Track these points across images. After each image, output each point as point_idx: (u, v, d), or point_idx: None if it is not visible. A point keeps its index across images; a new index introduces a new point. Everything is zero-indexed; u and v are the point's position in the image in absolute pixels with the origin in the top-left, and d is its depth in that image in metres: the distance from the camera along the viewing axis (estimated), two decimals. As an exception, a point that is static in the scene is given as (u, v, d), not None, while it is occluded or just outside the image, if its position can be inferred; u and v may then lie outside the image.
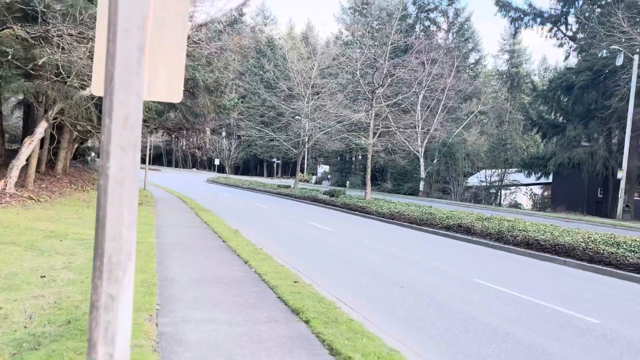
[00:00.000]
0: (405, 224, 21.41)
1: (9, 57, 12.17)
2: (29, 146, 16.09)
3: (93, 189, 22.13)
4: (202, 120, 24.48)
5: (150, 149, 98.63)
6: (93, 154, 59.65)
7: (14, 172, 15.83)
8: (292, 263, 10.78)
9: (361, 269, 10.82)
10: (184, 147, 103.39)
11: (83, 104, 16.41)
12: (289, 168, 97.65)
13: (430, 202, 38.61)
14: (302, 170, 78.11)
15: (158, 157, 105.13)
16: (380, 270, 10.72)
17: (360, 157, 71.95)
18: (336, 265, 11.15)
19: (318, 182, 74.80)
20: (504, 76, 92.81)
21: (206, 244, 12.13)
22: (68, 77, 16.10)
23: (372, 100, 29.90)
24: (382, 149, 36.25)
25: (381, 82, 30.29)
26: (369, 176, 30.29)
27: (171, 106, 23.01)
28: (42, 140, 21.40)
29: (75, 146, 32.28)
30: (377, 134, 31.01)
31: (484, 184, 43.54)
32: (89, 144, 44.18)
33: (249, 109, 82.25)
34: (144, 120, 20.86)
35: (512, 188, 43.44)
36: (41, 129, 16.40)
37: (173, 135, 26.21)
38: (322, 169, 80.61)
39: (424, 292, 8.91)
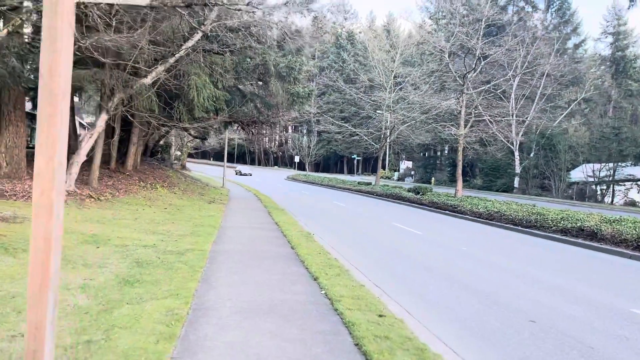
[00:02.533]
0: (508, 225, 18.22)
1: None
2: (89, 140, 14.94)
3: (163, 187, 21.03)
4: (276, 112, 22.70)
5: (234, 147, 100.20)
6: (177, 151, 60.59)
7: (74, 168, 14.73)
8: (374, 279, 8.39)
9: (465, 289, 8.18)
10: (265, 145, 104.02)
11: (144, 93, 15.03)
12: (369, 164, 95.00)
13: (529, 200, 34.47)
14: (383, 167, 75.17)
15: (241, 156, 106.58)
16: (492, 292, 8.02)
17: (446, 151, 67.78)
18: (432, 283, 8.58)
19: (400, 178, 71.47)
20: (608, 61, 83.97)
21: (271, 252, 10.03)
22: (132, 62, 14.74)
23: (462, 86, 26.63)
24: (475, 140, 32.60)
25: (473, 66, 26.91)
26: (459, 171, 27.08)
27: (242, 97, 21.39)
28: (112, 136, 20.55)
29: (152, 142, 31.87)
30: (469, 124, 27.68)
31: (591, 178, 38.29)
32: (170, 140, 44.26)
33: (328, 104, 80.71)
34: (215, 111, 19.34)
35: (628, 184, 37.83)
36: (101, 122, 15.21)
37: (247, 130, 24.64)
38: (405, 165, 77.04)
39: (567, 331, 6.15)
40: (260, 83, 21.00)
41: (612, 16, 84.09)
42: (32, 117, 29.79)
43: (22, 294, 5.80)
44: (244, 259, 9.08)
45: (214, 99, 16.75)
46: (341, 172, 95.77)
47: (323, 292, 6.92)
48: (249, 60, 18.43)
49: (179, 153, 60.52)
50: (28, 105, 29.00)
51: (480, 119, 29.32)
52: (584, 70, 56.82)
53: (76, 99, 36.74)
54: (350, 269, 8.88)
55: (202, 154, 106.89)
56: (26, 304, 5.37)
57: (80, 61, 13.97)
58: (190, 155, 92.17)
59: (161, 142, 41.43)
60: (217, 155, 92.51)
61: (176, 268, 7.58)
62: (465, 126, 27.19)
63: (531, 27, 46.22)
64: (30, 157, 18.18)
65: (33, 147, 26.64)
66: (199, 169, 61.32)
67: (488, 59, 28.23)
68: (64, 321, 4.99)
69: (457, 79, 27.68)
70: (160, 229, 11.72)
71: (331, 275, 7.91)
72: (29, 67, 13.33)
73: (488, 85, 30.25)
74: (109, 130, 20.71)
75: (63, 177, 2.22)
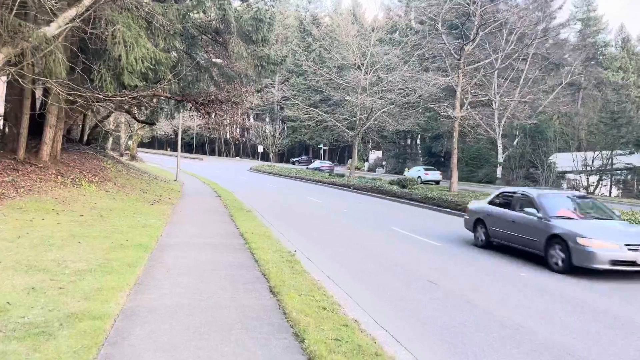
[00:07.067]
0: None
1: None
2: (-43, 116, 9.95)
3: (91, 183, 16.09)
4: (239, 86, 17.97)
5: (192, 137, 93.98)
6: (128, 140, 54.48)
7: None
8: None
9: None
10: (226, 134, 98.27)
11: (44, 46, 10.19)
12: (336, 155, 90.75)
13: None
14: (352, 157, 70.94)
15: (201, 146, 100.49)
16: None
17: (418, 140, 64.24)
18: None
19: (371, 169, 67.49)
20: (577, 48, 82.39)
21: (237, 310, 5.52)
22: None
23: (459, 60, 22.58)
24: (476, 124, 28.57)
25: (473, 35, 22.80)
26: (455, 160, 23.05)
27: (194, 65, 16.55)
28: (21, 113, 15.45)
29: (89, 127, 26.58)
30: (464, 105, 23.62)
31: (587, 167, 34.94)
32: (112, 125, 38.54)
33: (291, 91, 75.76)
34: (156, 80, 14.48)
35: (623, 173, 34.75)
36: (-23, 88, 10.26)
37: (203, 111, 19.81)
38: (375, 155, 73.14)
39: None
40: (217, 46, 16.20)
41: (581, 0, 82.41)
42: None
43: None
44: (183, 341, 4.52)
45: (153, 62, 11.97)
46: (307, 162, 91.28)
47: None
48: (202, 13, 13.72)
49: (130, 142, 54.60)
50: None
51: (480, 98, 25.33)
52: (572, 50, 54.42)
53: None
54: (396, 354, 4.50)
55: (158, 144, 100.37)
56: None
57: None
58: (144, 145, 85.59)
59: (109, 128, 35.86)
60: (176, 145, 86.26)
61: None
62: (462, 107, 23.18)
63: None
64: None
65: None
66: (155, 160, 55.41)
67: (496, 23, 24.07)
68: None
69: (452, 52, 23.65)
70: (47, 257, 7.00)
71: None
72: None
73: (489, 60, 26.27)
74: (17, 107, 15.63)
75: None
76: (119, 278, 6.24)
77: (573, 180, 37.63)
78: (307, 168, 57.56)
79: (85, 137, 26.27)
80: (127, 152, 52.66)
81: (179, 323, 4.90)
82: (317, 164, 60.80)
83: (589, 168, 35.15)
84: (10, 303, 4.94)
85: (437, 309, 6.32)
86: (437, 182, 40.22)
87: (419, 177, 38.96)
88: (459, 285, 7.69)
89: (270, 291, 6.29)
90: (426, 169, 42.71)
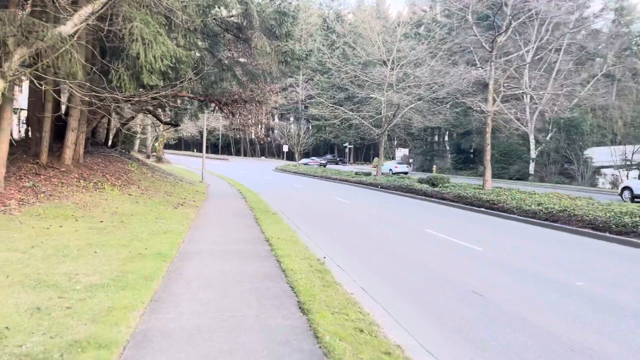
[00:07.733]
0: (585, 230, 13.26)
1: None
2: (-28, 120, 9.62)
3: (114, 186, 15.74)
4: (263, 84, 17.38)
5: (218, 138, 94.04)
6: (155, 142, 54.67)
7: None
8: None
9: None
10: (250, 134, 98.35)
11: (59, 46, 9.77)
12: (362, 153, 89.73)
13: (553, 189, 29.65)
14: (378, 155, 69.76)
15: (226, 147, 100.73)
16: None
17: (446, 137, 62.84)
18: None
19: (398, 167, 66.40)
20: (611, 38, 79.48)
21: (260, 332, 4.87)
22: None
23: (492, 52, 21.55)
24: (511, 117, 27.43)
25: (506, 26, 21.69)
26: (488, 157, 22.01)
27: (217, 64, 16.03)
28: (39, 119, 15.20)
29: (113, 129, 26.43)
30: (497, 100, 22.51)
31: (627, 162, 33.32)
32: (138, 128, 38.45)
33: (315, 90, 74.98)
34: (176, 79, 13.97)
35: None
36: (-8, 90, 9.87)
37: (226, 111, 19.31)
38: (401, 152, 71.93)
39: None
40: (241, 44, 15.65)
41: (615, -9, 79.47)
42: None
43: None
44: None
45: (173, 60, 11.47)
46: (331, 162, 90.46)
47: None
48: (223, 8, 13.17)
49: (157, 144, 54.79)
50: None
51: (514, 92, 24.23)
52: (607, 41, 52.38)
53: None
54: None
55: (185, 145, 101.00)
56: None
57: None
58: (171, 147, 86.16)
59: (136, 130, 35.86)
60: (202, 146, 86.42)
61: None
62: (494, 102, 22.11)
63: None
64: None
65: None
66: (181, 161, 55.50)
67: (529, 14, 22.87)
68: None
69: (484, 45, 22.61)
70: (59, 270, 6.51)
71: None
72: None
73: (521, 52, 25.11)
74: (38, 110, 15.38)
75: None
76: (133, 294, 5.67)
77: (611, 175, 35.99)
78: (297, 164, 60.10)
79: (110, 140, 26.15)
80: (153, 154, 52.87)
81: (197, 351, 4.28)
82: (305, 159, 68.91)
83: (628, 162, 33.51)
84: (9, 328, 4.40)
85: (491, 328, 5.57)
86: (405, 174, 48.14)
87: (390, 169, 48.27)
88: (507, 296, 6.90)
89: (300, 308, 5.63)
90: (397, 163, 52.39)
